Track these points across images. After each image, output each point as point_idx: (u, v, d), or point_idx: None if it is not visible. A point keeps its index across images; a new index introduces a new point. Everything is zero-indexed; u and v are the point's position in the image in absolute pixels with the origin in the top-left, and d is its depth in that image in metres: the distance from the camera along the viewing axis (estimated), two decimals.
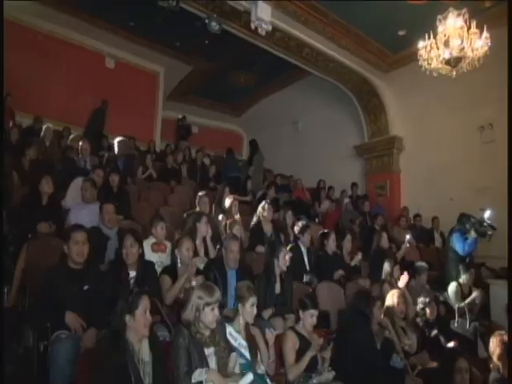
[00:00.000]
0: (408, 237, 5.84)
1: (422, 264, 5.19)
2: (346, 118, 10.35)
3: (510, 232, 5.01)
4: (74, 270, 3.01)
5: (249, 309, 2.85)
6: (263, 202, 5.33)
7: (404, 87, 8.94)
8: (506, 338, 3.13)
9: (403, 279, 4.39)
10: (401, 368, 3.30)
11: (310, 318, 3.13)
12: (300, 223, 5.19)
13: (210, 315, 2.48)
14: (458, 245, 5.73)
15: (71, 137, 7.26)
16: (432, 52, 5.27)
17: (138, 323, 2.30)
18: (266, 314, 3.61)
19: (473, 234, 5.66)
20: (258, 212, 5.23)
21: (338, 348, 3.18)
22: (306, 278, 4.61)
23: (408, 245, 5.76)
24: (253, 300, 2.86)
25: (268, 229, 5.17)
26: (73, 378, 2.46)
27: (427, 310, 4.10)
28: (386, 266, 4.64)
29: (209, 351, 2.49)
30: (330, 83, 9.52)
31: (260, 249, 4.90)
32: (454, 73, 5.36)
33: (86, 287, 2.97)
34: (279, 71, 10.29)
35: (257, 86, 11.63)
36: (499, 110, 6.43)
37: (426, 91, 8.23)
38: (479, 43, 5.04)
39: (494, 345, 3.14)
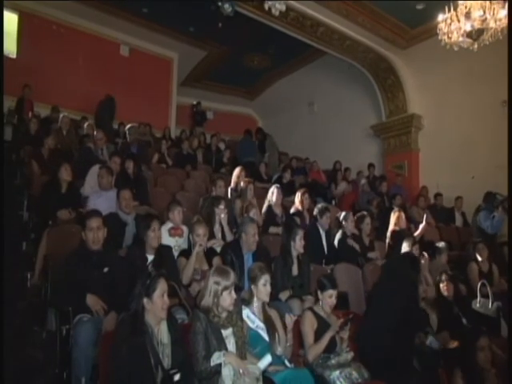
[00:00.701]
0: (426, 216, 5.74)
1: (441, 244, 5.10)
2: (363, 98, 10.12)
3: (509, 222, 4.92)
4: (94, 254, 3.06)
5: (261, 287, 2.84)
6: (272, 187, 5.31)
7: (422, 63, 8.65)
8: None
9: (422, 259, 4.33)
10: (436, 348, 3.20)
11: (328, 298, 3.08)
12: (320, 205, 5.15)
13: (229, 298, 2.50)
14: (485, 223, 5.63)
15: (85, 125, 7.33)
16: (452, 25, 5.08)
17: (156, 306, 2.33)
18: (284, 295, 3.62)
19: (501, 211, 5.53)
20: (268, 197, 5.23)
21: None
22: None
23: (426, 223, 5.65)
24: (265, 278, 2.85)
25: (279, 212, 5.17)
26: (95, 360, 2.52)
27: (441, 286, 4.04)
28: (405, 246, 4.57)
29: (227, 332, 2.51)
30: (346, 62, 9.30)
31: (273, 229, 4.90)
32: (476, 46, 5.15)
33: (105, 269, 3.03)
34: (294, 52, 10.11)
35: (271, 68, 11.46)
36: None
37: (445, 66, 7.97)
38: (503, 13, 4.82)
39: None
